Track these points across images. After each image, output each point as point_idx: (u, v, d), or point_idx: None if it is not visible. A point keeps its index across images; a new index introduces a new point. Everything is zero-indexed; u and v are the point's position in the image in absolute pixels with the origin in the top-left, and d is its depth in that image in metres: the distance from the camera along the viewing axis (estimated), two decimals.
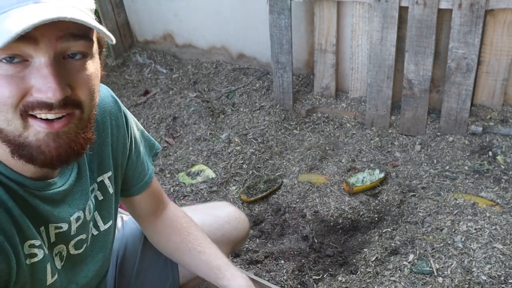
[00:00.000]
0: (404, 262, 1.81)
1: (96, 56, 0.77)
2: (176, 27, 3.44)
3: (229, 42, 3.28)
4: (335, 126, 2.71)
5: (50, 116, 0.70)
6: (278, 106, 2.86)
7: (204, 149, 2.66)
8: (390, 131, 2.62)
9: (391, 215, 2.10)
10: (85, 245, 0.96)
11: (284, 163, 2.50)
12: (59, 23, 0.65)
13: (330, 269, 1.91)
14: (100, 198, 0.99)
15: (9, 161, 0.77)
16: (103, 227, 1.01)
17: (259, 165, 2.51)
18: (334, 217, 2.13)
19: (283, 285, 1.84)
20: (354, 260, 1.91)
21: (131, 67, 3.47)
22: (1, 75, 0.67)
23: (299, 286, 1.85)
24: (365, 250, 1.94)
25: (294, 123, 2.76)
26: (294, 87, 2.86)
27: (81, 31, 0.70)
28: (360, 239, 2.03)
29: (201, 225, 1.23)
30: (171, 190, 2.42)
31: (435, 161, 2.36)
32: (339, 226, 2.11)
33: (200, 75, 3.29)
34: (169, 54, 3.55)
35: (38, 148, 0.72)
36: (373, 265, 1.84)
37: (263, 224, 2.17)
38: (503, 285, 1.66)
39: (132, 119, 1.07)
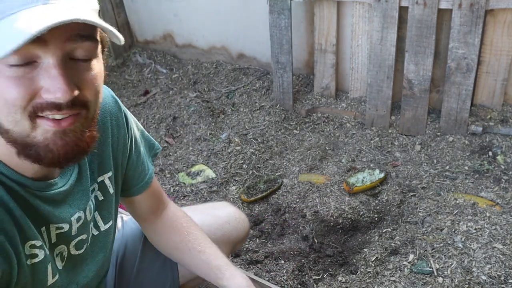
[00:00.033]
0: (404, 262, 1.81)
1: (100, 56, 0.77)
2: (176, 27, 3.44)
3: (229, 42, 3.28)
4: (335, 126, 2.71)
5: (58, 116, 0.71)
6: (278, 106, 2.86)
7: (204, 149, 2.66)
8: (390, 131, 2.62)
9: (391, 215, 2.10)
10: (85, 245, 0.96)
11: (284, 163, 2.50)
12: (68, 24, 0.65)
13: (330, 269, 1.91)
14: (101, 198, 0.99)
15: (11, 162, 0.77)
16: (103, 227, 1.01)
17: (259, 165, 2.51)
18: (334, 217, 2.13)
19: (283, 285, 1.84)
20: (354, 260, 1.91)
21: (131, 67, 3.47)
22: (10, 76, 0.67)
23: (299, 286, 1.85)
24: (365, 250, 1.94)
25: (294, 123, 2.76)
26: (294, 87, 2.86)
27: (87, 32, 0.70)
28: (360, 239, 2.03)
29: (201, 225, 1.23)
30: (171, 190, 2.42)
31: (435, 161, 2.36)
32: (339, 226, 2.11)
33: (200, 75, 3.29)
34: (169, 54, 3.55)
35: (46, 147, 0.72)
36: (373, 265, 1.84)
37: (263, 224, 2.17)
38: (503, 285, 1.66)
39: (132, 119, 1.07)
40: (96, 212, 0.98)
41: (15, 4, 0.65)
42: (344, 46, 2.77)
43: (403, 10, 2.44)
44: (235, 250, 1.63)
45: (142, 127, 1.13)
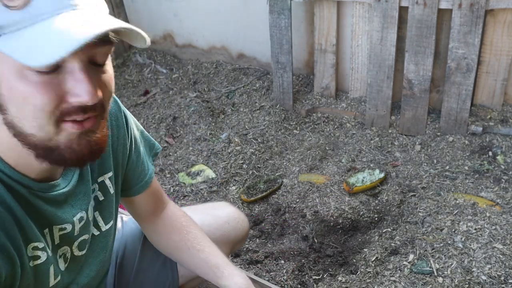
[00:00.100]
0: (404, 262, 1.81)
1: (110, 57, 0.78)
2: (176, 27, 3.44)
3: (229, 42, 3.28)
4: (335, 126, 2.71)
5: (80, 117, 0.72)
6: (278, 106, 2.86)
7: (204, 149, 2.66)
8: (390, 131, 2.62)
9: (391, 215, 2.10)
10: (87, 246, 0.96)
11: (284, 163, 2.50)
12: None
13: (330, 269, 1.91)
14: (101, 198, 0.99)
15: (15, 163, 0.77)
16: (104, 227, 1.01)
17: (259, 165, 2.51)
18: (334, 217, 2.13)
19: (283, 285, 1.84)
20: (354, 260, 1.91)
21: (131, 67, 3.47)
22: (38, 82, 0.68)
23: (299, 286, 1.85)
24: (365, 250, 1.94)
25: (294, 123, 2.76)
26: (294, 87, 2.86)
27: (107, 36, 0.71)
28: (360, 239, 2.03)
29: (201, 224, 1.23)
30: (171, 190, 2.42)
31: (435, 161, 2.36)
32: (339, 226, 2.11)
33: (200, 75, 3.29)
34: (169, 54, 3.55)
35: (69, 148, 0.73)
36: (373, 265, 1.84)
37: (263, 224, 2.17)
38: (503, 285, 1.66)
39: (132, 119, 1.07)
40: (97, 212, 0.98)
41: (45, 9, 0.65)
42: (344, 46, 2.77)
43: (403, 10, 2.44)
44: (234, 250, 1.63)
45: (141, 127, 1.13)
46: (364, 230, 2.08)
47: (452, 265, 1.76)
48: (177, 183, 2.46)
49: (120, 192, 1.07)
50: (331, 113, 2.78)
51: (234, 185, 2.40)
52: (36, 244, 0.81)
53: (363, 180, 2.26)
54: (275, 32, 2.71)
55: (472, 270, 1.72)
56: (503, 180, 2.16)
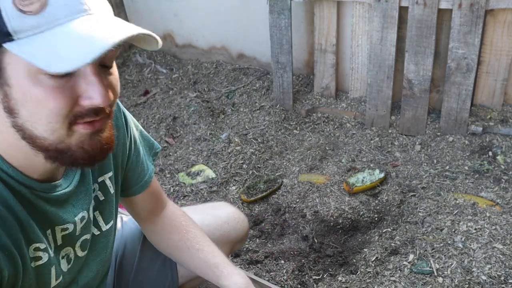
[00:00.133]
0: (404, 262, 1.81)
1: None
2: (176, 27, 3.44)
3: (229, 42, 3.28)
4: (335, 126, 2.71)
5: (91, 119, 0.73)
6: (278, 106, 2.86)
7: (204, 149, 2.66)
8: (390, 131, 2.62)
9: (391, 215, 2.10)
10: (88, 246, 0.96)
11: (284, 163, 2.50)
12: None
13: (330, 269, 1.91)
14: (101, 198, 0.99)
15: (18, 163, 0.77)
16: (104, 227, 1.01)
17: (259, 165, 2.51)
18: (334, 217, 2.13)
19: (283, 285, 1.84)
20: (354, 260, 1.91)
21: (131, 67, 3.48)
22: (53, 87, 0.68)
23: (299, 286, 1.85)
24: (365, 250, 1.94)
25: (294, 123, 2.76)
26: (294, 87, 2.86)
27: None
28: (360, 239, 2.03)
29: (201, 224, 1.23)
30: (171, 190, 2.42)
31: (435, 161, 2.36)
32: (339, 226, 2.11)
33: (200, 75, 3.29)
34: (169, 54, 3.55)
35: (81, 148, 0.75)
36: (373, 265, 1.84)
37: (263, 224, 2.17)
38: (503, 285, 1.66)
39: (131, 119, 1.07)
40: (97, 212, 0.99)
41: (60, 14, 0.66)
42: (344, 46, 2.77)
43: (403, 10, 2.44)
44: (234, 250, 1.63)
45: (141, 127, 1.13)
46: (364, 230, 2.08)
47: (452, 265, 1.76)
48: (177, 183, 2.46)
49: (120, 192, 1.07)
50: (331, 113, 2.78)
51: (234, 185, 2.40)
52: (38, 245, 0.81)
53: (363, 180, 2.26)
54: (275, 32, 2.71)
55: (472, 270, 1.72)
56: (503, 180, 2.16)
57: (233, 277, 1.08)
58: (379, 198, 2.20)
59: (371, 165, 2.38)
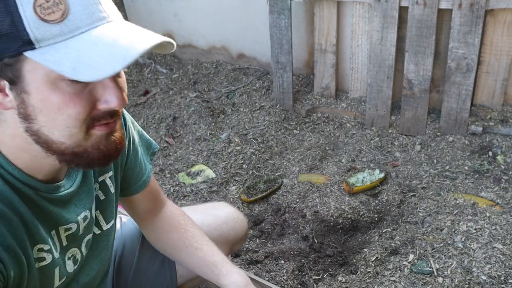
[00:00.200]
0: (404, 262, 1.81)
1: None
2: (176, 27, 3.44)
3: (229, 42, 3.28)
4: (335, 126, 2.71)
5: (107, 121, 0.75)
6: (278, 106, 2.86)
7: (204, 149, 2.66)
8: (390, 131, 2.62)
9: (391, 215, 2.10)
10: (90, 245, 0.97)
11: (284, 163, 2.50)
12: None
13: (330, 269, 1.90)
14: (102, 197, 1.00)
15: (22, 164, 0.78)
16: (105, 226, 1.01)
17: (259, 165, 2.51)
18: (334, 217, 2.13)
19: (283, 285, 1.84)
20: (354, 260, 1.91)
21: (131, 67, 3.47)
22: (72, 92, 0.69)
23: (299, 286, 1.85)
24: (365, 250, 1.94)
25: (294, 123, 2.76)
26: (294, 87, 2.86)
27: None
28: (360, 239, 2.03)
29: (200, 224, 1.23)
30: (171, 190, 2.42)
31: (435, 161, 2.36)
32: (339, 226, 2.11)
33: (200, 75, 3.29)
34: (169, 54, 3.55)
35: (97, 150, 0.76)
36: (373, 265, 1.84)
37: (263, 224, 2.17)
38: (503, 285, 1.66)
39: (129, 119, 1.07)
40: (98, 211, 0.99)
41: (81, 23, 0.66)
42: (344, 46, 2.77)
43: (403, 10, 2.44)
44: (234, 251, 1.63)
45: (139, 126, 1.13)
46: (364, 230, 2.08)
47: (452, 265, 1.75)
48: (177, 183, 2.46)
49: (119, 191, 1.08)
50: (331, 113, 2.78)
51: (234, 185, 2.40)
52: (41, 246, 0.82)
53: (363, 180, 2.26)
54: (275, 32, 2.71)
55: (472, 270, 1.72)
56: (503, 180, 2.16)
57: (232, 275, 1.08)
58: (379, 198, 2.20)
59: (371, 165, 2.38)
